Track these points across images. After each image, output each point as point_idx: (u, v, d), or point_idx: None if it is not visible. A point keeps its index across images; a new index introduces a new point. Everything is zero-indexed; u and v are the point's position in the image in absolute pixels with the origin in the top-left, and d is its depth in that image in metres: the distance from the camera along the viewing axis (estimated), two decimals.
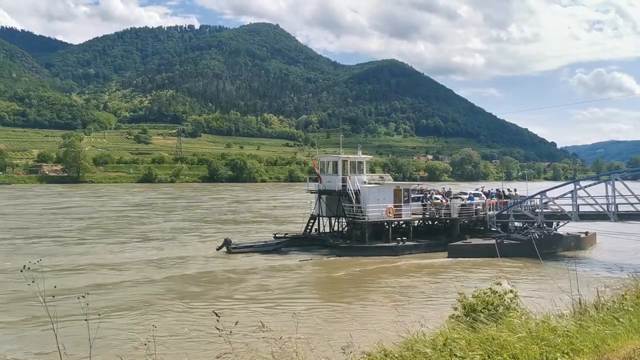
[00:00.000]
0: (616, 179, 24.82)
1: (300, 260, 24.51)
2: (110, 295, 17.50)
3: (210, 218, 45.06)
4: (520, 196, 31.72)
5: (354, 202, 26.87)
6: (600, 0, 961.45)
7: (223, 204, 64.06)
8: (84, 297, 4.72)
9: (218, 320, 5.20)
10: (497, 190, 33.64)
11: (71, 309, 12.40)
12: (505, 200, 31.15)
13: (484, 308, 6.76)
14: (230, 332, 5.11)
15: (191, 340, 12.74)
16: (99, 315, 6.81)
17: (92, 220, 42.15)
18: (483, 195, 31.67)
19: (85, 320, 4.57)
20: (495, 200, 30.86)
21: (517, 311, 6.63)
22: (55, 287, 4.93)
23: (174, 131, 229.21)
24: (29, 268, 4.36)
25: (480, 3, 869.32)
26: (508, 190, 33.27)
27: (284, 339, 5.38)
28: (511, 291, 6.97)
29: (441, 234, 29.06)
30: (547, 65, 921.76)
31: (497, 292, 7.00)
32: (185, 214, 48.29)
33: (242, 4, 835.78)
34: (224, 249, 25.76)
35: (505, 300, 6.89)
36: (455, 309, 7.05)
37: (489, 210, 29.97)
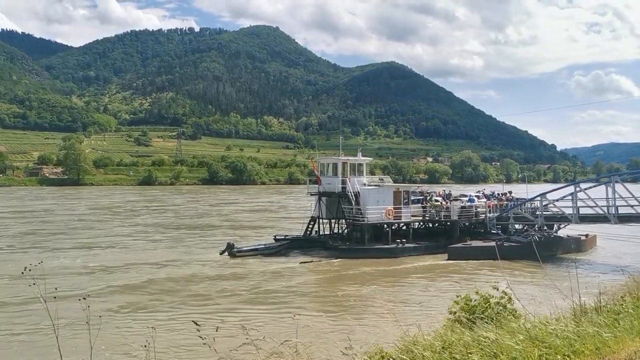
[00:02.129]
0: (616, 181, 24.80)
1: (301, 263, 24.49)
2: (104, 298, 17.49)
3: (168, 222, 43.39)
4: (517, 198, 31.74)
5: (353, 204, 26.87)
6: (597, 2, 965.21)
7: (195, 206, 62.87)
8: (84, 299, 4.72)
9: (199, 330, 5.22)
10: (492, 192, 33.62)
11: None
12: (505, 202, 31.13)
13: (477, 313, 6.74)
14: (214, 339, 5.10)
15: (190, 344, 12.71)
16: (100, 316, 6.82)
17: (42, 224, 40.67)
18: (474, 198, 31.57)
19: (87, 322, 4.56)
20: (494, 202, 30.85)
21: (513, 314, 6.62)
22: (56, 289, 4.93)
23: (174, 133, 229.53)
24: (30, 270, 4.35)
25: (477, 5, 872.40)
26: (508, 193, 33.24)
27: (284, 341, 5.38)
28: (505, 293, 6.93)
29: (441, 236, 29.05)
30: (545, 68, 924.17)
31: (488, 297, 6.95)
32: (142, 220, 45.90)
33: (240, 6, 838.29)
34: (226, 253, 25.74)
35: (497, 305, 6.86)
36: (453, 313, 7.03)
37: (489, 212, 29.97)
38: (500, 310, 6.79)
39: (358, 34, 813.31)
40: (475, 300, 6.96)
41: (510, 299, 6.90)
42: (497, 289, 6.98)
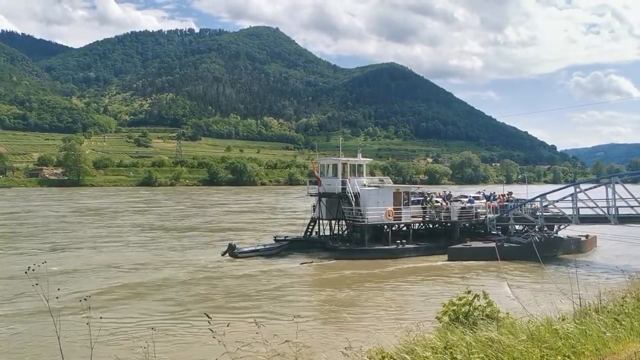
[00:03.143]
0: (616, 182, 24.81)
1: (301, 264, 24.50)
2: (105, 297, 17.49)
3: (140, 225, 42.02)
4: (517, 199, 31.74)
5: (353, 204, 26.88)
6: (595, 3, 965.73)
7: (181, 208, 61.66)
8: (85, 299, 4.72)
9: (209, 322, 5.24)
10: (492, 193, 33.59)
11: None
12: (504, 203, 31.12)
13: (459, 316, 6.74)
14: (224, 333, 5.10)
15: (190, 345, 12.72)
16: (100, 318, 6.82)
17: (17, 226, 39.71)
18: (474, 199, 31.50)
19: (87, 324, 4.57)
20: (495, 203, 30.85)
21: (499, 318, 6.62)
22: (59, 289, 4.93)
23: (174, 134, 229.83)
24: (33, 270, 4.36)
25: (476, 6, 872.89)
26: (507, 194, 33.18)
27: (284, 342, 5.39)
28: (484, 297, 6.93)
29: (441, 237, 29.04)
30: (544, 69, 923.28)
31: (468, 300, 6.96)
32: (121, 221, 44.59)
33: (239, 7, 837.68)
34: (228, 254, 25.76)
35: (478, 308, 6.86)
36: (438, 318, 7.05)
37: (489, 213, 29.97)
38: (479, 314, 6.78)
39: (357, 35, 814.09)
40: (457, 305, 6.96)
41: (490, 302, 6.89)
42: (470, 292, 6.98)
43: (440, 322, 6.90)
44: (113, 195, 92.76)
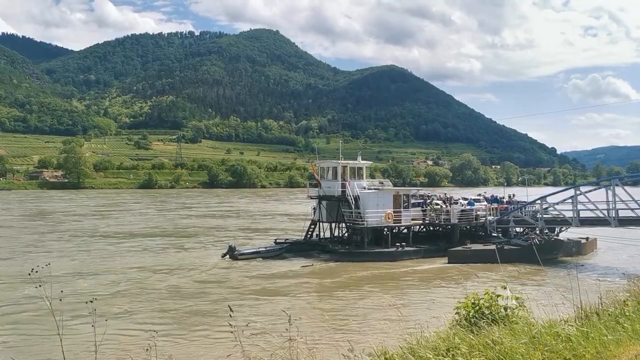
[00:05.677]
0: (616, 184, 24.84)
1: (302, 266, 24.51)
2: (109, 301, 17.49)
3: (137, 227, 40.75)
4: (518, 201, 31.75)
5: (353, 207, 26.90)
6: (592, 5, 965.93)
7: (149, 212, 59.97)
8: (91, 302, 4.74)
9: (231, 315, 5.23)
10: (492, 196, 33.60)
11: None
12: (505, 205, 31.14)
13: (482, 314, 6.70)
14: (243, 331, 5.11)
15: (192, 346, 12.73)
16: (106, 320, 6.83)
17: None
18: (473, 202, 31.50)
19: (92, 326, 4.58)
20: (496, 205, 30.86)
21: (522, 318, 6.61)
22: (62, 291, 4.95)
23: (174, 137, 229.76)
24: (36, 272, 4.38)
25: (473, 9, 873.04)
26: (510, 196, 33.20)
27: (286, 343, 5.40)
28: (517, 298, 6.94)
29: (441, 240, 29.05)
30: (542, 71, 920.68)
31: (497, 296, 6.96)
32: (58, 227, 41.64)
33: (237, 10, 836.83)
34: (228, 256, 25.76)
35: (508, 308, 6.86)
36: (458, 313, 7.02)
37: (489, 215, 29.98)
38: (508, 313, 6.76)
39: (355, 38, 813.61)
40: (482, 298, 6.95)
41: (522, 304, 6.87)
42: (506, 288, 6.97)
43: (459, 317, 6.87)
44: (90, 198, 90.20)
